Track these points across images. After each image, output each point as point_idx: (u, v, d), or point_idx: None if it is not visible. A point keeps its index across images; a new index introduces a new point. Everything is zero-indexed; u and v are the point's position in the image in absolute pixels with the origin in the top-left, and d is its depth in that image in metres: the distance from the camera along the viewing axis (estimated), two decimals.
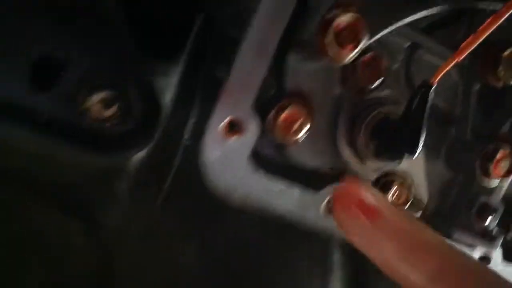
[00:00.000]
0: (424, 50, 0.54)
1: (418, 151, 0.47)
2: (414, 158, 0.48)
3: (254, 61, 0.50)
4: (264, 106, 0.54)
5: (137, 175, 0.74)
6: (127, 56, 0.67)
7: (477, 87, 0.56)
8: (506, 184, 0.59)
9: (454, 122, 0.58)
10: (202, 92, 0.86)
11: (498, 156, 0.54)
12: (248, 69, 0.50)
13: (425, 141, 0.59)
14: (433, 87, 0.47)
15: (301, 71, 0.53)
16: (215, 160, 0.52)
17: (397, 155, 0.51)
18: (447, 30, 0.53)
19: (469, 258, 0.35)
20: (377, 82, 0.52)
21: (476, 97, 0.56)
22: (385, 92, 0.55)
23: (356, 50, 0.43)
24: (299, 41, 0.49)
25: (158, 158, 0.76)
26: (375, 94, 0.54)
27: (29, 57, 0.63)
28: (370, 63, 0.52)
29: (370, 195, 0.37)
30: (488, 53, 0.50)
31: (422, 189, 0.60)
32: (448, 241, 0.35)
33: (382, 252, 0.35)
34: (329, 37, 0.43)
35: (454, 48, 0.52)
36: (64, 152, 0.68)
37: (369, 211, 0.36)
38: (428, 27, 0.53)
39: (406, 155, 0.49)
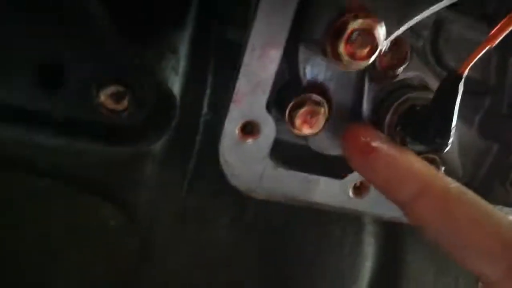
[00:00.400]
0: (452, 24, 0.48)
1: (449, 146, 0.44)
2: (444, 150, 0.45)
3: (263, 58, 0.46)
4: (282, 99, 0.51)
5: (162, 158, 0.75)
6: (128, 47, 0.64)
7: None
8: None
9: (488, 93, 0.54)
10: (215, 59, 0.82)
11: None
12: (257, 69, 0.47)
13: (458, 111, 0.55)
14: (463, 78, 0.42)
15: (315, 61, 0.49)
16: (234, 162, 0.51)
17: (428, 147, 0.48)
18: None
19: (451, 181, 0.44)
20: (401, 68, 0.48)
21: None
22: (412, 74, 0.50)
23: (373, 57, 0.39)
24: (309, 40, 0.44)
25: (180, 139, 0.75)
26: (401, 77, 0.50)
27: (33, 61, 0.62)
28: (392, 48, 0.47)
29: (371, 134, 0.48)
30: None
31: (455, 160, 0.57)
32: None
33: (376, 179, 0.47)
34: (341, 47, 0.38)
35: (484, 19, 0.46)
36: (87, 147, 0.68)
37: (367, 147, 0.47)
38: None
39: (437, 147, 0.45)
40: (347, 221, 0.79)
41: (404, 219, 0.58)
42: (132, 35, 0.68)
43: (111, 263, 0.76)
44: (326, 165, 0.55)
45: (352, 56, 0.39)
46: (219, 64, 0.82)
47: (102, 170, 0.73)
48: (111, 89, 0.66)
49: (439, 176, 0.44)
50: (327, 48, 0.40)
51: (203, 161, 0.76)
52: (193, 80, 0.79)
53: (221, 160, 0.51)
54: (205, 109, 0.81)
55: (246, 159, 0.51)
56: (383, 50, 0.42)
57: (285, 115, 0.49)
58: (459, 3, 0.47)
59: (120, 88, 0.66)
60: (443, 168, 0.55)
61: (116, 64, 0.65)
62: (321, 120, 0.50)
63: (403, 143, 0.50)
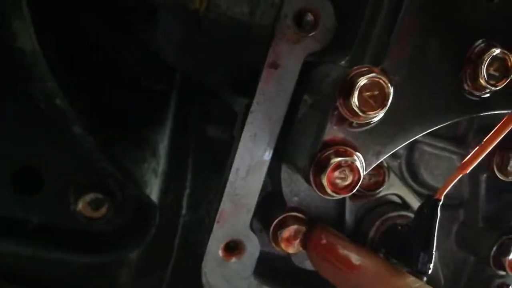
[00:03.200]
0: (425, 145, 0.51)
1: (430, 270, 0.44)
2: (426, 273, 0.45)
3: (247, 178, 0.47)
4: (264, 212, 0.51)
5: (138, 265, 0.72)
6: (111, 154, 0.65)
7: (484, 176, 0.53)
8: None
9: (462, 206, 0.56)
10: (194, 157, 0.83)
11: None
12: (241, 188, 0.48)
13: None
14: (440, 203, 0.44)
15: (298, 180, 0.50)
16: (216, 283, 0.50)
17: (411, 270, 0.49)
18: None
19: None
20: (380, 189, 0.49)
21: (484, 186, 0.53)
22: (390, 191, 0.52)
23: (355, 189, 0.40)
24: (293, 167, 0.46)
25: (158, 243, 0.74)
26: (380, 194, 0.51)
27: (9, 168, 0.61)
28: (370, 171, 0.49)
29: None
30: (496, 151, 0.47)
31: (436, 269, 0.58)
32: None
33: None
34: (324, 180, 0.40)
35: (454, 140, 0.49)
36: (61, 256, 0.66)
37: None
38: None
39: (420, 269, 0.46)
40: None
41: None
42: (111, 138, 0.68)
43: None
44: (309, 279, 0.55)
45: (335, 187, 0.41)
46: (199, 162, 0.82)
47: (75, 279, 0.71)
48: (90, 196, 0.66)
49: None
50: (310, 178, 0.41)
51: (181, 268, 0.75)
52: (172, 180, 0.79)
53: (204, 280, 0.50)
54: (184, 210, 0.80)
55: (229, 278, 0.50)
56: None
57: (268, 233, 0.50)
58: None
59: (99, 195, 0.66)
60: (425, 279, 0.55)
61: (95, 170, 0.65)
62: (303, 240, 0.50)
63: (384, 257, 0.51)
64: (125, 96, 0.75)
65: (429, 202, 0.44)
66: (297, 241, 0.49)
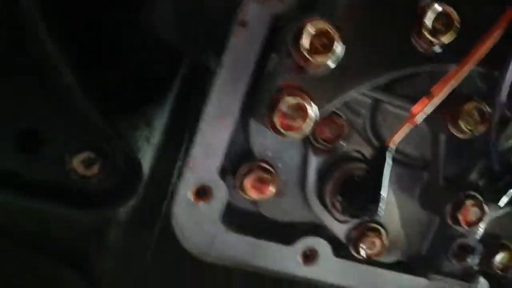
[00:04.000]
0: (387, 104, 0.54)
1: (379, 210, 0.48)
2: (375, 216, 0.49)
3: (217, 127, 0.52)
4: (235, 165, 0.55)
5: (128, 225, 0.77)
6: (105, 118, 0.70)
7: (443, 137, 0.56)
8: (483, 224, 0.58)
9: (425, 167, 0.58)
10: (191, 132, 0.88)
11: (466, 205, 0.54)
12: (211, 136, 0.52)
13: (399, 184, 0.60)
14: (389, 148, 0.47)
15: (266, 134, 0.54)
16: (186, 224, 0.54)
17: (361, 213, 0.52)
18: (409, 82, 0.53)
19: None
20: (340, 141, 0.53)
21: (444, 146, 0.56)
22: (352, 148, 0.55)
23: (307, 128, 0.44)
24: (257, 114, 0.50)
25: (147, 206, 0.78)
26: (342, 151, 0.55)
27: (15, 129, 0.67)
28: (330, 123, 0.52)
29: None
30: (449, 107, 0.50)
31: (399, 231, 0.61)
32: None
33: None
34: (276, 120, 0.43)
35: (415, 100, 0.52)
36: (53, 209, 0.71)
37: None
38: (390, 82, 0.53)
39: (368, 213, 0.49)
40: None
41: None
42: (109, 108, 0.74)
43: None
44: (277, 232, 0.58)
45: (288, 127, 0.44)
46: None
47: (66, 232, 0.76)
48: (83, 155, 0.71)
49: None
50: (266, 120, 0.45)
51: (169, 229, 0.79)
52: (166, 151, 0.84)
53: (173, 222, 0.54)
54: (174, 179, 0.85)
55: (198, 221, 0.54)
56: (317, 121, 0.46)
57: (236, 180, 0.54)
58: (391, 86, 0.53)
59: (91, 155, 0.71)
60: (386, 238, 0.58)
61: (90, 132, 0.70)
62: (269, 187, 0.53)
63: (342, 212, 0.54)
64: (127, 79, 0.80)
65: (380, 149, 0.48)
66: (263, 187, 0.53)
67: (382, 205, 0.48)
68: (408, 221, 0.60)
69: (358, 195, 0.50)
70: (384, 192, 0.48)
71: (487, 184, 0.54)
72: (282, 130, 0.44)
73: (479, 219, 0.54)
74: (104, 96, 0.74)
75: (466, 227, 0.54)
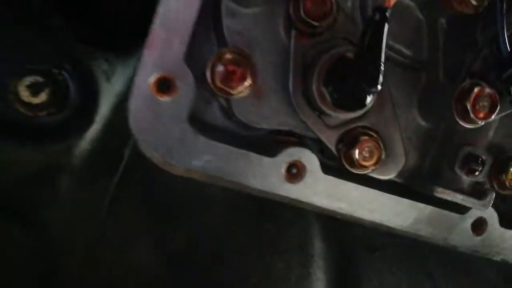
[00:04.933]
0: None
1: (380, 81, 0.39)
2: (378, 89, 0.40)
3: (181, 10, 0.43)
4: (202, 58, 0.46)
5: (82, 172, 0.66)
6: (60, 41, 0.61)
7: (443, 20, 0.49)
8: (490, 131, 0.51)
9: (423, 67, 0.51)
10: None
11: (475, 92, 0.46)
12: (175, 12, 0.43)
13: (396, 90, 0.52)
14: (389, 10, 0.40)
15: (239, 15, 0.46)
16: (147, 123, 0.44)
17: (357, 100, 0.44)
18: None
19: None
20: (326, 20, 0.45)
21: (443, 35, 0.49)
22: (340, 33, 0.47)
23: None
24: None
25: (106, 153, 0.68)
26: (328, 36, 0.47)
27: None
28: (316, 1, 0.45)
29: None
30: None
31: (397, 144, 0.52)
32: None
33: None
34: None
35: None
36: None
37: None
38: None
39: (370, 90, 0.41)
40: (292, 253, 0.69)
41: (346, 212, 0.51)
42: (66, 36, 0.65)
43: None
44: (255, 141, 0.49)
45: None
46: None
47: (9, 181, 0.64)
48: (29, 79, 0.61)
49: None
50: None
51: (129, 179, 0.68)
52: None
53: (131, 120, 0.44)
54: None
55: (160, 120, 0.44)
56: None
57: (205, 70, 0.44)
58: None
59: (39, 78, 0.61)
60: (382, 147, 0.49)
61: (39, 54, 0.61)
62: (244, 78, 0.44)
63: (332, 99, 0.46)
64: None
65: (376, 11, 0.40)
66: (238, 78, 0.44)
67: (381, 77, 0.40)
68: (408, 134, 0.52)
69: (352, 76, 0.42)
70: (383, 57, 0.40)
71: (493, 73, 0.47)
72: None
73: (491, 110, 0.46)
74: (62, 24, 0.65)
75: (478, 120, 0.46)
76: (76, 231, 0.64)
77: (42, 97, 0.61)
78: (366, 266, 0.72)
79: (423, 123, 0.52)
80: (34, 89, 0.61)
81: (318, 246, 0.70)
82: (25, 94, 0.60)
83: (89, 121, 0.63)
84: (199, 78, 0.45)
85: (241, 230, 0.67)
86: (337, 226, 0.72)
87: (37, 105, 0.61)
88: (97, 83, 0.66)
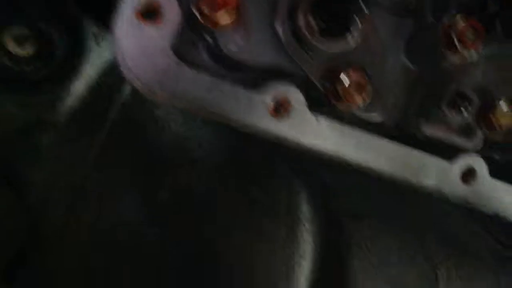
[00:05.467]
0: None
1: None
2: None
3: None
4: None
5: (65, 130, 0.65)
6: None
7: None
8: (478, 71, 0.51)
9: (410, 13, 0.51)
10: None
11: (461, 24, 0.46)
12: None
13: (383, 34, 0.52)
14: None
15: None
16: (132, 49, 0.44)
17: (342, 24, 0.43)
18: None
19: None
20: None
21: None
22: None
23: None
24: None
25: (90, 112, 0.67)
26: None
27: None
28: None
29: None
30: None
31: (384, 85, 0.52)
32: None
33: None
34: None
35: None
36: None
37: None
38: None
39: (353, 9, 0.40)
40: (279, 216, 0.68)
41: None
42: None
43: None
44: (241, 74, 0.49)
45: None
46: None
47: None
48: (16, 29, 0.61)
49: None
50: None
51: (114, 138, 0.67)
52: None
53: (116, 47, 0.44)
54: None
55: (146, 47, 0.44)
56: None
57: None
58: None
59: (25, 30, 0.61)
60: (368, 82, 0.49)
61: (27, 5, 0.61)
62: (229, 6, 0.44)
63: (319, 28, 0.46)
64: None
65: None
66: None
67: None
68: (395, 77, 0.52)
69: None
70: None
71: (479, 7, 0.47)
72: None
73: (477, 40, 0.46)
74: None
75: (465, 51, 0.46)
76: (59, 187, 0.63)
77: (28, 48, 0.61)
78: (355, 233, 0.71)
79: (410, 65, 0.52)
80: (20, 40, 0.61)
81: (306, 210, 0.69)
82: (11, 44, 0.60)
83: (74, 78, 0.63)
84: (186, 17, 0.45)
85: (227, 192, 0.66)
86: (325, 193, 0.71)
87: (23, 58, 0.61)
88: (85, 44, 0.66)
